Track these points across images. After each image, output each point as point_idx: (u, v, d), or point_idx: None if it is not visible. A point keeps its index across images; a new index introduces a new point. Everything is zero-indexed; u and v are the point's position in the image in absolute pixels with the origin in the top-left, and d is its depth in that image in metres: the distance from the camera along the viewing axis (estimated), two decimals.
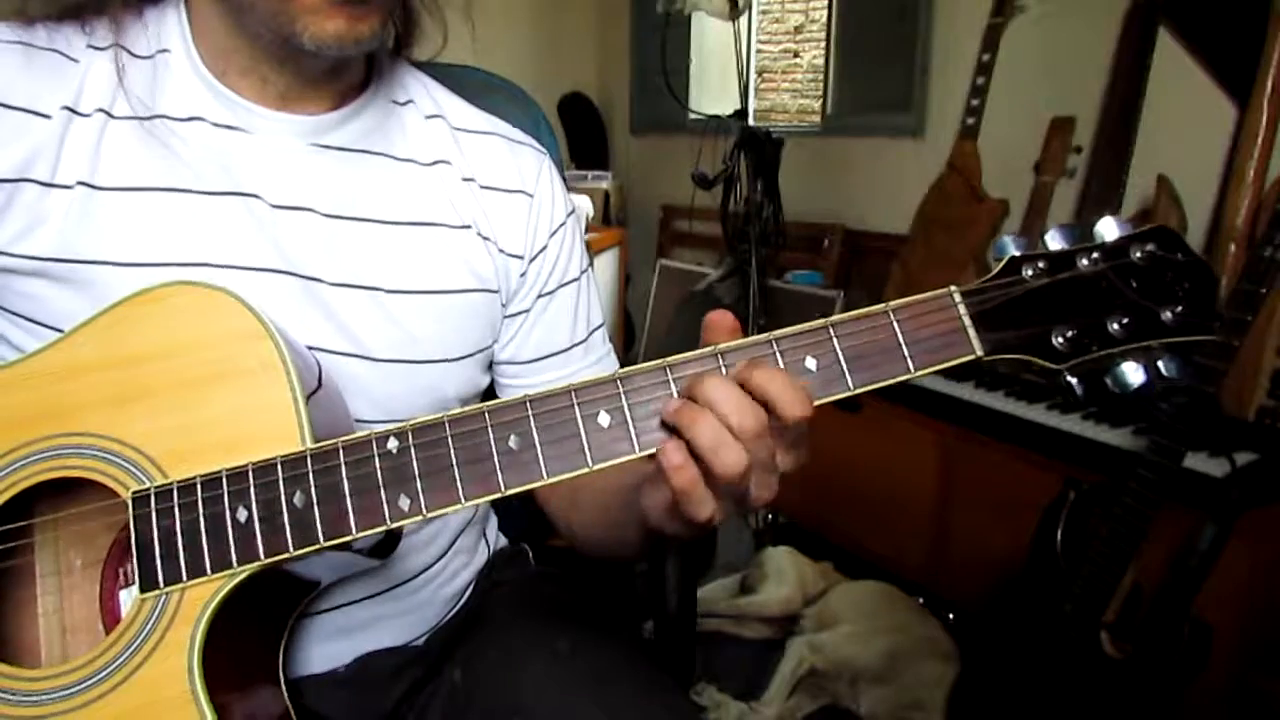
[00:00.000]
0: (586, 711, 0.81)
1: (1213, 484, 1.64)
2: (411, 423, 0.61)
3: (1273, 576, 1.64)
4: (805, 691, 2.01)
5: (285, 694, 0.71)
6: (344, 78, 0.80)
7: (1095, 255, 0.60)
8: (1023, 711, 1.66)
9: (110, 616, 0.69)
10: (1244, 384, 1.83)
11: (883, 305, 0.59)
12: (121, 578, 0.69)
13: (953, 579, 2.20)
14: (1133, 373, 0.60)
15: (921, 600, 2.21)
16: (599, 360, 0.95)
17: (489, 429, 0.60)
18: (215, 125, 0.76)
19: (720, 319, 0.60)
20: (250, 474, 0.62)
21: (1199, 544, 1.50)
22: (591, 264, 0.96)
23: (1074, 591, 1.56)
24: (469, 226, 0.85)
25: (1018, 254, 0.60)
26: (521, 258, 0.87)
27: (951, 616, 2.16)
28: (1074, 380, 0.61)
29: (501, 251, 0.86)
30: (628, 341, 3.63)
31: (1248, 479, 1.64)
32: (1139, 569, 1.53)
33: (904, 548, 2.32)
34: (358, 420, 0.78)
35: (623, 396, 0.59)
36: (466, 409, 0.60)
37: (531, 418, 0.59)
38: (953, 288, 0.59)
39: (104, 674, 0.62)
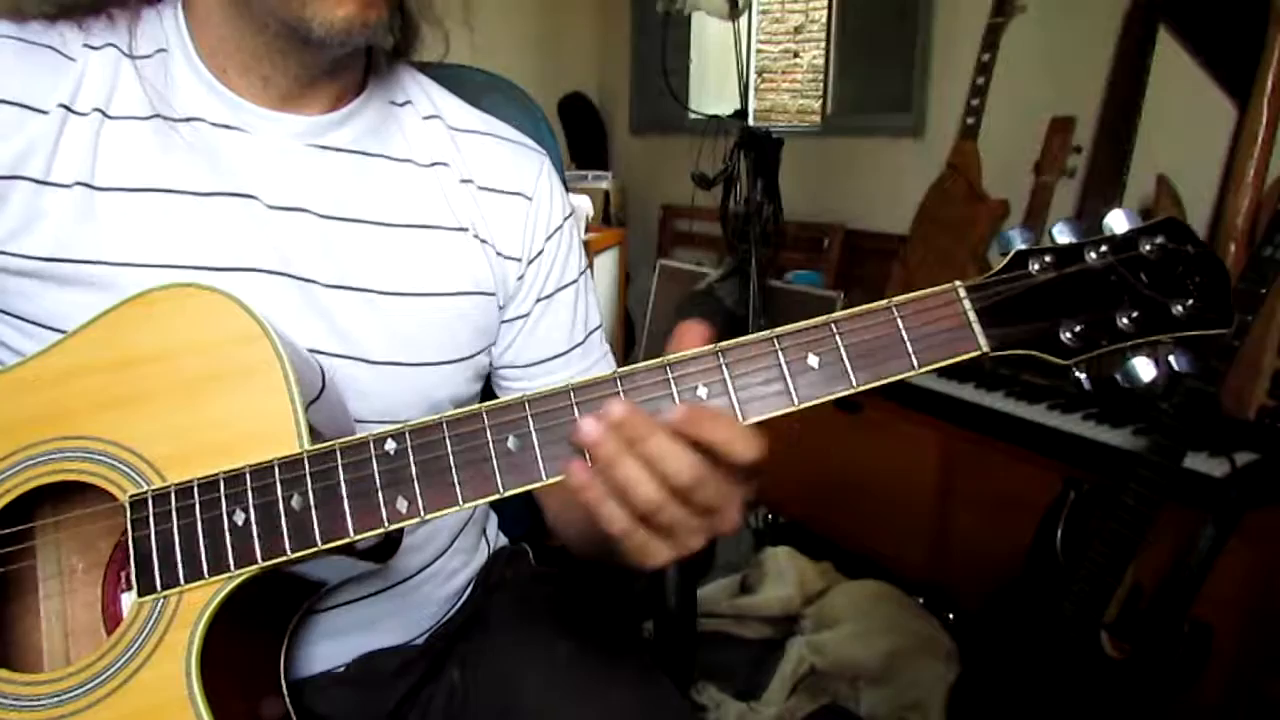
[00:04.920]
0: (585, 711, 0.81)
1: (1213, 484, 1.64)
2: (409, 424, 0.61)
3: (1273, 576, 1.64)
4: (805, 691, 2.01)
5: (286, 696, 0.71)
6: (344, 77, 0.79)
7: (1104, 248, 0.58)
8: (1023, 711, 1.65)
9: (112, 620, 0.68)
10: (1244, 384, 1.82)
11: (886, 301, 0.58)
12: (123, 581, 0.69)
13: (953, 579, 2.20)
14: (1144, 368, 0.59)
15: (921, 600, 2.20)
16: (596, 362, 0.94)
17: (487, 430, 0.59)
18: (214, 125, 0.76)
19: (687, 330, 0.59)
20: (247, 477, 0.62)
21: (1199, 544, 1.50)
22: (591, 264, 0.96)
23: (1074, 591, 1.56)
24: (466, 229, 0.84)
25: (1024, 248, 0.59)
26: (519, 260, 0.87)
27: (951, 616, 2.16)
28: (1083, 376, 0.59)
29: (499, 254, 0.86)
30: (628, 341, 3.63)
31: (1248, 479, 1.64)
32: (1139, 569, 1.53)
33: (904, 548, 2.31)
34: (356, 422, 0.78)
35: (623, 395, 0.58)
36: (464, 409, 0.60)
37: (530, 418, 0.59)
38: (957, 283, 0.58)
39: (102, 678, 0.62)
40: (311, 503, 0.61)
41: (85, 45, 0.74)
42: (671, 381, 0.58)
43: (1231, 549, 1.51)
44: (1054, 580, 1.61)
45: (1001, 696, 1.71)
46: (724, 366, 0.58)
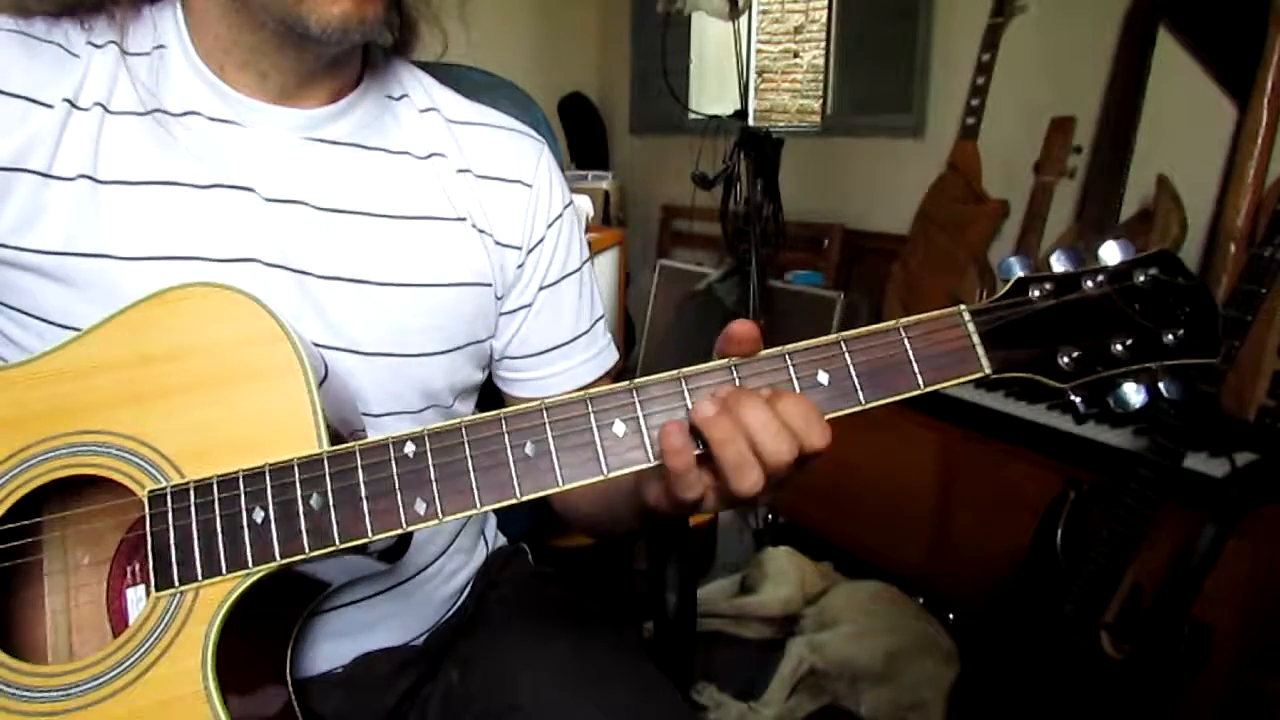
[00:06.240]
0: (585, 712, 0.81)
1: (1213, 484, 1.65)
2: (429, 428, 0.62)
3: (1273, 576, 1.65)
4: (805, 691, 2.01)
5: (291, 693, 0.71)
6: (341, 72, 0.80)
7: (1100, 278, 0.61)
8: (1023, 711, 1.66)
9: (117, 615, 0.69)
10: (1244, 384, 1.83)
11: (894, 322, 0.61)
12: (129, 576, 0.69)
13: (953, 579, 2.21)
14: (1134, 394, 0.62)
15: (921, 600, 2.21)
16: (601, 351, 0.95)
17: (505, 435, 0.60)
18: (211, 119, 0.76)
19: (743, 331, 0.61)
20: (267, 475, 0.62)
21: (1199, 544, 1.51)
22: (591, 261, 0.96)
23: (1074, 591, 1.57)
24: (464, 219, 0.85)
25: (1024, 275, 0.62)
26: (519, 249, 0.87)
27: (951, 616, 2.16)
28: (1078, 399, 0.63)
29: (498, 244, 0.86)
30: (628, 341, 3.63)
31: (1248, 479, 1.64)
32: (1139, 569, 1.53)
33: (904, 548, 2.32)
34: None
35: (638, 406, 0.60)
36: (483, 415, 0.61)
37: (548, 425, 0.60)
38: (962, 306, 0.61)
39: (116, 671, 0.63)
40: (331, 503, 0.61)
41: (89, 43, 0.75)
42: (686, 394, 0.60)
43: (1231, 549, 1.52)
44: (1054, 580, 1.62)
45: (1002, 696, 1.71)
46: (737, 381, 0.60)
